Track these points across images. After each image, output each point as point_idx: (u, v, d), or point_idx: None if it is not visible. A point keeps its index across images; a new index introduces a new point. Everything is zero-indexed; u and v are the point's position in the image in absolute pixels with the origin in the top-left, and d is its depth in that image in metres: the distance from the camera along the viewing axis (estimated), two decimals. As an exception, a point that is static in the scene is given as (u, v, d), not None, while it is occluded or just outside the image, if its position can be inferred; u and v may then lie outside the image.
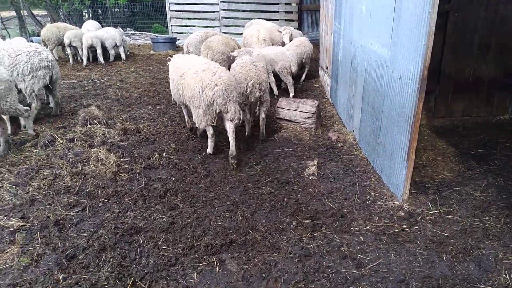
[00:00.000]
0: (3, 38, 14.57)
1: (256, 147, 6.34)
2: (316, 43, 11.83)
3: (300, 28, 15.91)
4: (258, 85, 6.28)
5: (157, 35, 17.50)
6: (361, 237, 4.09)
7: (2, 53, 6.66)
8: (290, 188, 5.07)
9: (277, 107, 7.39)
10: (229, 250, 3.88)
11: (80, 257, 3.73)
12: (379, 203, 4.75)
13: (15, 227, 4.12)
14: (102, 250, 3.84)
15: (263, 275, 3.56)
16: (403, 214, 4.47)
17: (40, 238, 3.96)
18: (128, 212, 4.48)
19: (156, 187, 5.05)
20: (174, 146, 6.26)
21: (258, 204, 4.69)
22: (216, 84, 5.41)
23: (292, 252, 3.85)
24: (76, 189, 4.90)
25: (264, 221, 4.37)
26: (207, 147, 5.98)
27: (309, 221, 4.35)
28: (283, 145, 6.42)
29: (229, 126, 5.65)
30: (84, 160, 5.57)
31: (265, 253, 3.84)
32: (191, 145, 6.34)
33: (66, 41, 12.01)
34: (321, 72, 10.64)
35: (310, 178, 5.35)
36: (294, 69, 8.90)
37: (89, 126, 6.79)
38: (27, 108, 6.19)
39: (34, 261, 3.66)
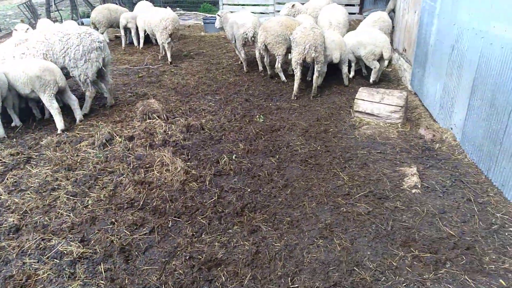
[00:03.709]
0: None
1: (336, 147, 5.43)
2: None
3: (361, 5, 14.60)
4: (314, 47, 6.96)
5: (206, 15, 16.68)
6: (501, 280, 3.16)
7: (53, 39, 6.12)
8: (392, 206, 4.17)
9: (356, 98, 6.41)
10: (334, 297, 3.08)
11: (153, 300, 3.06)
12: (510, 229, 3.77)
13: (75, 255, 3.50)
14: (179, 291, 3.15)
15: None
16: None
17: (104, 272, 3.32)
18: (203, 236, 3.75)
19: (230, 200, 4.30)
20: (242, 147, 5.48)
21: (357, 229, 3.83)
22: None
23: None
24: (141, 202, 4.23)
25: (369, 253, 3.52)
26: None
27: (428, 255, 3.46)
28: (368, 146, 5.48)
29: None
30: (147, 165, 4.90)
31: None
32: (261, 145, 5.54)
33: (123, 22, 11.45)
34: (394, 55, 9.45)
35: (413, 191, 4.41)
36: (386, 55, 7.63)
37: (148, 121, 6.14)
38: None
39: (99, 304, 3.03)
